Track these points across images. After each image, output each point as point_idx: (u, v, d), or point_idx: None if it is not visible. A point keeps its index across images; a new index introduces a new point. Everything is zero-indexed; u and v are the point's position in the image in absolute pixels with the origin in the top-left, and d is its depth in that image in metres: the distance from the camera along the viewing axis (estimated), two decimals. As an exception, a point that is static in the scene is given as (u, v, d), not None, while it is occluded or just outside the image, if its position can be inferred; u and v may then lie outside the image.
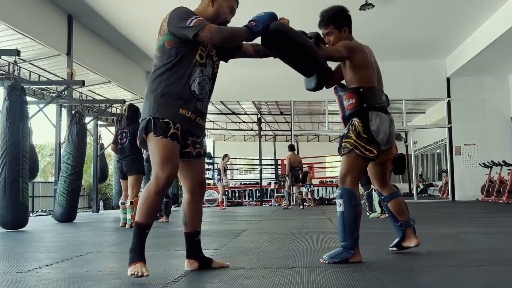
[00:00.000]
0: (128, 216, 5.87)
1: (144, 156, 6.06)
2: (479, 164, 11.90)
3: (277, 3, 8.72)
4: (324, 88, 2.96)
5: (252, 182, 17.19)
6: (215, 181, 13.08)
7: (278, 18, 2.43)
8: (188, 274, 2.45)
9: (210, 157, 15.61)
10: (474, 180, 12.14)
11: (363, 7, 8.32)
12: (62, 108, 9.69)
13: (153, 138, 2.33)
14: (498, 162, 10.77)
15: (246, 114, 18.57)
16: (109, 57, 11.07)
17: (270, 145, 20.03)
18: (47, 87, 10.74)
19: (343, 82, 2.90)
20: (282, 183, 13.03)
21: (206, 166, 16.09)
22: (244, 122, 20.88)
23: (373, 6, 8.40)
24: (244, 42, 2.52)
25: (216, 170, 13.05)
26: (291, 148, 10.85)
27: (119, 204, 6.35)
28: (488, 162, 11.29)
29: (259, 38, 2.42)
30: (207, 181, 15.46)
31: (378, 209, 6.60)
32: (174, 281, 2.28)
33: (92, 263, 3.06)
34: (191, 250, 2.54)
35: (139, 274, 2.23)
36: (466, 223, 5.61)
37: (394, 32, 10.26)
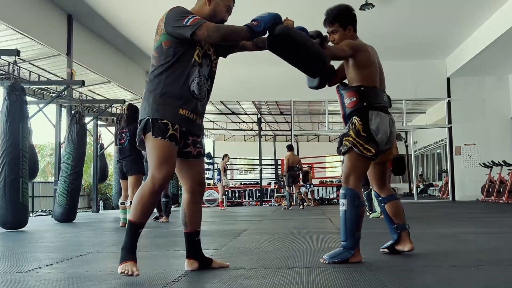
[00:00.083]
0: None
1: (144, 156, 6.06)
2: (479, 164, 11.90)
3: (277, 3, 8.72)
4: (325, 87, 2.96)
5: (252, 182, 17.19)
6: (215, 181, 13.08)
7: (282, 20, 2.42)
8: (188, 274, 2.45)
9: (210, 157, 15.60)
10: (474, 180, 12.14)
11: (363, 7, 8.32)
12: (62, 108, 9.69)
13: (151, 138, 2.32)
14: (498, 162, 10.76)
15: (246, 114, 18.57)
16: (109, 57, 11.07)
17: (270, 145, 20.02)
18: (47, 87, 10.74)
19: (345, 81, 2.91)
20: (282, 183, 13.02)
21: (206, 166, 16.12)
22: (244, 122, 20.88)
23: (373, 6, 8.40)
24: None
25: (216, 170, 13.04)
26: (290, 148, 10.83)
27: (119, 204, 6.35)
28: (488, 162, 11.29)
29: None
30: (207, 181, 15.54)
31: (378, 208, 6.59)
32: (174, 281, 2.28)
33: (92, 263, 3.06)
34: (191, 250, 2.54)
35: (129, 272, 2.23)
36: (466, 223, 5.61)
37: (394, 32, 10.26)
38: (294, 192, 11.19)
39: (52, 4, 8.61)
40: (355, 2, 8.39)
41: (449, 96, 12.68)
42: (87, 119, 8.67)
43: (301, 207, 10.39)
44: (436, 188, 17.35)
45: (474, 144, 12.50)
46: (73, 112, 8.34)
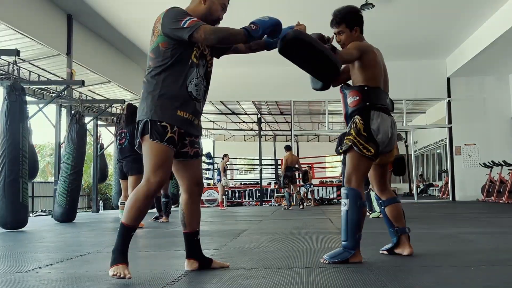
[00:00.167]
0: (128, 216, 5.85)
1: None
2: (480, 164, 11.89)
3: (277, 3, 8.73)
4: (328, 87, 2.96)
5: (252, 182, 17.19)
6: (215, 181, 13.07)
7: (295, 24, 2.41)
8: (188, 274, 2.44)
9: (210, 157, 15.59)
10: (474, 180, 12.14)
11: (363, 7, 8.31)
12: (62, 108, 9.69)
13: (148, 141, 2.32)
14: (499, 162, 10.76)
15: (246, 114, 18.56)
16: (109, 57, 11.07)
17: (270, 145, 20.02)
18: (47, 87, 10.74)
19: (349, 82, 2.91)
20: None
21: (206, 166, 16.11)
22: (244, 122, 20.88)
23: (373, 6, 8.40)
24: None
25: (216, 170, 13.03)
26: (288, 148, 10.81)
27: (119, 204, 6.34)
28: (488, 162, 11.28)
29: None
30: (208, 181, 15.54)
31: (377, 208, 6.59)
32: (174, 281, 2.27)
33: (92, 263, 3.06)
34: (191, 250, 2.54)
35: (121, 275, 2.21)
36: (466, 223, 5.61)
37: (394, 32, 10.25)
38: (293, 192, 11.18)
39: (52, 4, 8.61)
40: (355, 2, 8.42)
41: (449, 96, 12.68)
42: (87, 119, 8.67)
43: (301, 207, 10.39)
44: (436, 188, 17.36)
45: (474, 144, 12.49)
46: (73, 112, 8.33)
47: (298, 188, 10.92)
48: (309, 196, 12.29)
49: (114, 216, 8.88)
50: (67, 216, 7.35)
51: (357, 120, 2.74)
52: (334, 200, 13.22)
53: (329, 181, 15.36)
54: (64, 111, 9.63)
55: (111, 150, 12.49)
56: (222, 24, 2.48)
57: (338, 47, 2.81)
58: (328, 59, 2.52)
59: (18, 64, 6.97)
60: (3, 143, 5.75)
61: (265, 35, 2.34)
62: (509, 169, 10.61)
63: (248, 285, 2.14)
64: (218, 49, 2.56)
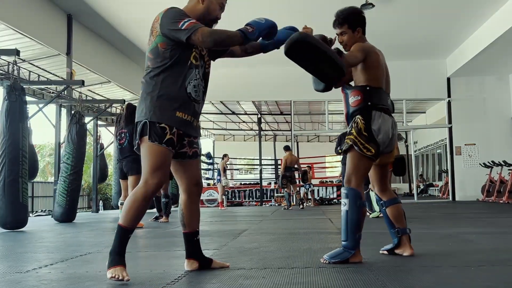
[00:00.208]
0: (128, 216, 5.84)
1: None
2: (480, 164, 11.89)
3: (277, 3, 8.73)
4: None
5: (252, 182, 17.19)
6: (215, 181, 13.07)
7: (303, 27, 2.40)
8: (188, 274, 2.44)
9: (210, 157, 15.59)
10: (474, 180, 12.13)
11: (363, 7, 8.31)
12: (62, 108, 9.69)
13: (147, 142, 2.31)
14: (499, 162, 10.76)
15: (246, 114, 18.56)
16: (109, 57, 11.07)
17: (270, 145, 20.02)
18: (47, 87, 10.75)
19: (351, 83, 2.92)
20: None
21: (206, 166, 16.11)
22: (244, 122, 20.88)
23: (373, 6, 8.40)
24: None
25: (216, 170, 13.03)
26: (287, 148, 10.80)
27: (119, 204, 6.34)
28: (488, 162, 11.28)
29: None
30: (208, 181, 15.54)
31: (377, 208, 6.59)
32: (174, 281, 2.27)
33: (92, 263, 3.06)
34: (191, 250, 2.54)
35: (120, 277, 2.21)
36: (466, 223, 5.60)
37: (394, 32, 10.25)
38: (293, 192, 11.18)
39: (52, 4, 8.61)
40: (355, 2, 8.43)
41: (449, 96, 12.68)
42: (87, 119, 8.67)
43: (301, 207, 10.38)
44: (436, 188, 17.36)
45: (475, 144, 12.49)
46: (73, 112, 8.33)
47: (298, 188, 10.90)
48: (309, 196, 12.29)
49: (114, 216, 8.88)
50: (67, 216, 7.35)
51: (358, 120, 2.74)
52: (334, 200, 13.22)
53: (329, 181, 15.36)
54: (64, 111, 9.63)
55: (111, 150, 12.49)
56: (221, 24, 2.48)
57: (341, 48, 2.81)
58: (334, 63, 2.52)
59: (18, 64, 6.97)
60: (3, 143, 5.75)
61: (261, 37, 2.34)
62: (509, 169, 10.61)
63: (248, 285, 2.14)
64: (214, 51, 2.55)
